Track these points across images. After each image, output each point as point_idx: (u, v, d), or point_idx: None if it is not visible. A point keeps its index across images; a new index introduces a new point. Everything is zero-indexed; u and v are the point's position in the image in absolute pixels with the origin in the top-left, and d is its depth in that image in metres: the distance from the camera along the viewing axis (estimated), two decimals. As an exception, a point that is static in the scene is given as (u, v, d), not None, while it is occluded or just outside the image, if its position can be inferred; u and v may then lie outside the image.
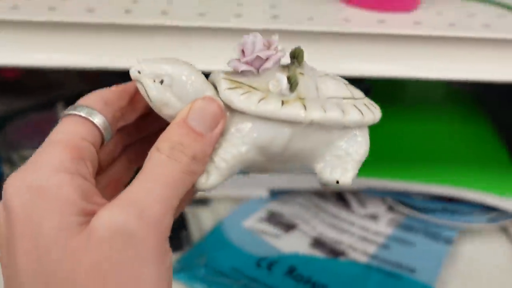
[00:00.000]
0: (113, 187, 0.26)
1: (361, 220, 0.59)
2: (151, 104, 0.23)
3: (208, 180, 0.22)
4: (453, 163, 0.61)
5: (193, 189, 0.23)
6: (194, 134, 0.21)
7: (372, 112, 0.24)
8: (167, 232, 0.20)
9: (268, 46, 0.23)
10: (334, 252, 0.54)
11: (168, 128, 0.22)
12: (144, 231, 0.19)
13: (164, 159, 0.21)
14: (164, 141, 0.21)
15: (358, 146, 0.24)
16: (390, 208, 0.61)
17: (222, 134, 0.23)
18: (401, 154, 0.62)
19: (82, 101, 0.23)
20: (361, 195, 0.62)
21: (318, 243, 0.55)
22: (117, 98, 0.24)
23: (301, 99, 0.23)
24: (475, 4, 0.44)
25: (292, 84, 0.23)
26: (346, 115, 0.23)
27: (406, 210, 0.59)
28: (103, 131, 0.23)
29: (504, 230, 0.61)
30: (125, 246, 0.18)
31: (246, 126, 0.22)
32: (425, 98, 0.74)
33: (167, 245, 0.20)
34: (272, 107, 0.22)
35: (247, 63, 0.23)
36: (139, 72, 0.22)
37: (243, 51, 0.24)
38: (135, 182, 0.20)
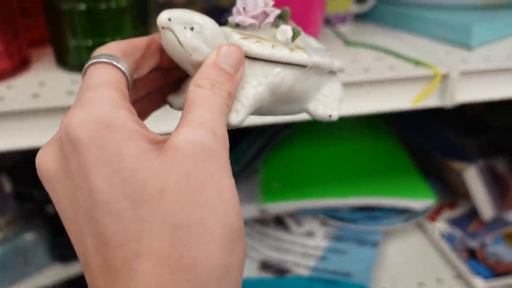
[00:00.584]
0: None
1: (300, 238, 0.67)
2: (180, 50, 0.24)
3: (238, 116, 0.24)
4: (369, 176, 0.70)
5: None
6: (226, 74, 0.23)
7: (339, 62, 0.29)
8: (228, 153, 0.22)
9: (265, 4, 0.26)
10: (281, 271, 0.61)
11: (201, 69, 0.23)
12: (220, 147, 0.21)
13: (208, 93, 0.22)
14: (203, 78, 0.23)
15: (339, 88, 0.29)
16: (323, 223, 0.69)
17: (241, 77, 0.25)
18: (327, 175, 0.70)
19: (103, 49, 0.24)
20: (297, 216, 0.69)
21: (265, 265, 0.62)
22: (133, 50, 0.25)
23: (301, 48, 0.26)
24: (355, 48, 0.53)
25: (295, 34, 0.26)
26: (333, 61, 0.28)
27: (336, 223, 0.68)
28: (128, 77, 0.23)
29: (419, 225, 0.71)
30: (208, 159, 0.20)
31: (261, 69, 0.25)
32: (340, 123, 0.84)
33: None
34: (284, 52, 0.25)
35: (253, 17, 0.26)
36: (169, 19, 0.23)
37: (244, 9, 0.26)
38: (192, 111, 0.21)
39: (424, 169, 0.75)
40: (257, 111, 0.26)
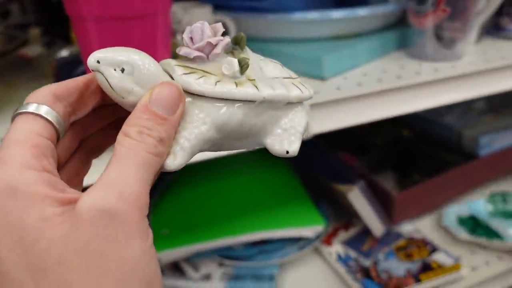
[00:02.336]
0: (72, 182, 0.26)
1: (196, 283, 0.64)
2: (111, 93, 0.23)
3: (176, 161, 0.23)
4: (260, 210, 0.70)
5: (161, 170, 0.23)
6: (158, 117, 0.22)
7: (307, 89, 0.27)
8: (146, 210, 0.20)
9: (214, 33, 0.25)
10: (176, 323, 0.59)
11: (132, 114, 0.22)
12: (126, 209, 0.19)
13: (133, 142, 0.21)
14: (130, 126, 0.22)
15: (300, 119, 0.26)
16: (220, 264, 0.67)
17: (182, 116, 0.23)
18: (218, 214, 0.69)
19: (31, 98, 0.22)
20: (193, 260, 0.67)
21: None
22: (66, 93, 0.23)
23: (251, 80, 0.24)
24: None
25: (243, 66, 0.24)
26: (290, 92, 0.25)
27: (233, 262, 0.67)
28: (57, 126, 0.22)
29: (316, 251, 0.72)
30: (109, 224, 0.19)
31: (205, 107, 0.23)
32: (229, 158, 0.84)
33: (147, 223, 0.21)
34: (228, 88, 0.23)
35: (198, 49, 0.24)
36: (98, 62, 0.22)
37: (191, 39, 0.24)
38: (109, 166, 0.21)
39: (318, 195, 0.76)
40: (208, 149, 0.25)
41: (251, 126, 0.25)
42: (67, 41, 0.57)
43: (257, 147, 0.26)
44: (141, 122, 0.22)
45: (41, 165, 0.20)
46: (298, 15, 0.56)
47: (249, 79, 0.24)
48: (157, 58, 0.44)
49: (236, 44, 0.26)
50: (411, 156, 0.83)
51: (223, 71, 0.24)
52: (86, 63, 0.43)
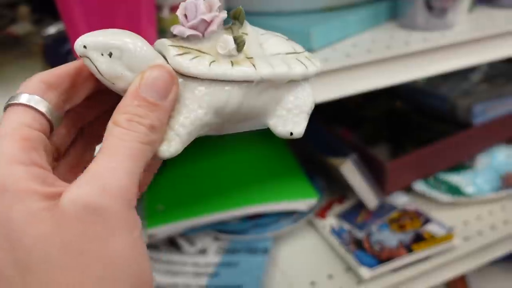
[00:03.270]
0: (75, 171, 0.25)
1: (192, 257, 0.66)
2: (101, 78, 0.22)
3: (170, 148, 0.22)
4: (255, 184, 0.70)
5: (155, 158, 0.22)
6: (148, 104, 0.21)
7: (314, 64, 0.25)
8: (133, 202, 0.20)
9: (209, 9, 0.23)
10: (172, 295, 0.60)
11: (122, 101, 0.21)
12: (110, 204, 0.19)
13: (122, 131, 0.20)
14: (120, 113, 0.21)
15: (305, 98, 0.24)
16: (216, 239, 0.68)
17: (177, 100, 0.22)
18: (213, 188, 0.70)
19: (22, 88, 0.22)
20: (189, 235, 0.68)
21: (156, 292, 0.61)
22: (58, 80, 0.22)
23: (249, 58, 0.23)
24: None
25: (239, 44, 0.23)
26: (292, 69, 0.23)
27: (228, 236, 0.67)
28: (48, 116, 0.22)
29: (310, 224, 0.73)
30: (92, 219, 0.19)
31: (200, 90, 0.22)
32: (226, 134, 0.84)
33: (134, 215, 0.20)
34: (223, 68, 0.22)
35: (192, 27, 0.23)
36: (85, 47, 0.21)
37: (185, 16, 0.23)
38: (97, 157, 0.20)
39: (313, 168, 0.76)
40: (206, 132, 0.24)
41: (251, 108, 0.23)
42: (55, 18, 0.57)
43: (260, 128, 0.25)
44: (131, 109, 0.21)
45: (29, 159, 0.20)
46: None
47: (246, 57, 0.23)
48: (142, 34, 0.44)
49: (235, 19, 0.24)
50: (404, 128, 0.83)
51: (218, 50, 0.23)
52: (72, 42, 0.43)
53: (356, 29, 0.57)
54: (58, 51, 0.49)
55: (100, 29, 0.42)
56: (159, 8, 0.54)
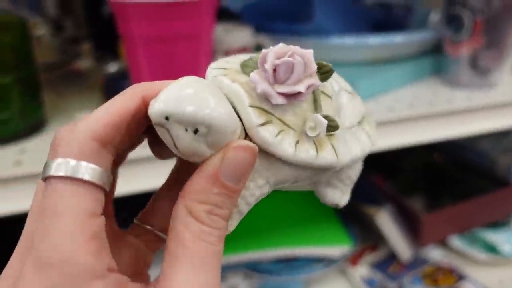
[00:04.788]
0: None
1: (223, 294, 0.66)
2: (173, 150, 0.18)
3: (229, 227, 0.20)
4: (289, 226, 0.71)
5: None
6: (228, 190, 0.18)
7: (372, 138, 0.24)
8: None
9: (305, 71, 0.19)
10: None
11: (197, 182, 0.18)
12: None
13: (205, 230, 0.17)
14: (196, 201, 0.18)
15: (358, 169, 0.24)
16: (247, 277, 0.69)
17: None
18: (247, 228, 0.71)
19: (66, 146, 0.17)
20: (221, 270, 0.69)
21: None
22: (112, 132, 0.18)
23: (331, 136, 0.21)
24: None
25: (330, 129, 0.20)
26: (364, 150, 0.23)
27: (258, 276, 0.68)
28: (106, 188, 0.18)
29: (341, 271, 0.73)
30: None
31: (273, 167, 0.20)
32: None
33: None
34: (309, 155, 0.20)
35: (283, 94, 0.19)
36: (166, 118, 0.17)
37: (274, 72, 0.19)
38: (175, 271, 0.17)
39: (348, 215, 0.77)
40: None
41: (309, 180, 0.22)
42: (115, 56, 0.61)
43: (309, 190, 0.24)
44: (211, 198, 0.18)
45: (105, 268, 0.17)
46: (337, 40, 0.57)
47: (328, 136, 0.21)
48: (199, 74, 0.47)
49: (323, 75, 0.21)
50: (442, 181, 0.83)
51: (307, 131, 0.20)
52: (133, 79, 0.46)
53: (400, 83, 0.59)
54: (118, 88, 0.52)
55: (160, 70, 0.45)
56: (214, 52, 0.58)
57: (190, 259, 0.17)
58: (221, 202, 0.18)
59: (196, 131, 0.18)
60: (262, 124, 0.19)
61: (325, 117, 0.20)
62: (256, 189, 0.20)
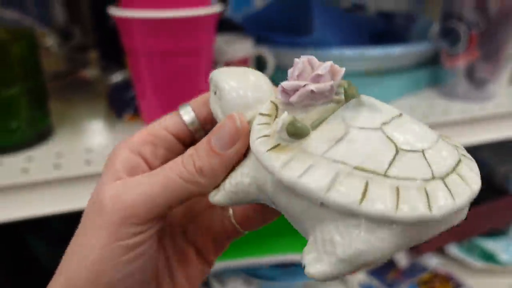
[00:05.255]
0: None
1: (222, 298, 0.68)
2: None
3: (215, 196, 0.22)
4: (289, 233, 0.72)
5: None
6: (209, 149, 0.21)
7: (455, 198, 0.17)
8: (128, 220, 0.21)
9: (332, 75, 0.20)
10: (201, 334, 0.62)
11: (204, 137, 0.23)
12: (111, 206, 0.21)
13: (177, 161, 0.22)
14: (192, 147, 0.22)
15: (352, 241, 0.17)
16: (246, 282, 0.70)
17: (248, 157, 0.21)
18: (248, 234, 0.73)
19: (193, 100, 0.25)
20: (221, 276, 0.71)
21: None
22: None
23: (363, 170, 0.17)
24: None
25: (291, 132, 0.19)
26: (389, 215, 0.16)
27: (257, 281, 0.69)
28: (190, 127, 0.24)
29: (340, 278, 0.74)
30: (91, 210, 0.22)
31: (254, 166, 0.21)
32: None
33: (133, 236, 0.21)
34: (292, 175, 0.18)
35: (295, 91, 0.20)
36: (210, 78, 0.23)
37: (298, 75, 0.20)
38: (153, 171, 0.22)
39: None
40: (262, 201, 0.21)
41: (294, 213, 0.19)
42: (121, 65, 0.63)
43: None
44: (199, 148, 0.22)
45: (138, 149, 0.24)
46: (336, 52, 0.59)
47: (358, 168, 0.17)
48: (199, 86, 0.48)
49: (346, 94, 0.20)
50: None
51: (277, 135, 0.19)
52: (136, 91, 0.48)
53: (397, 94, 0.61)
54: (122, 97, 0.54)
55: (163, 83, 0.46)
56: (215, 63, 0.60)
57: (157, 168, 0.22)
58: (201, 156, 0.22)
59: (215, 93, 0.22)
60: (259, 138, 0.20)
61: (292, 120, 0.19)
62: (240, 175, 0.21)
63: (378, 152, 0.18)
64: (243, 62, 0.61)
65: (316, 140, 0.18)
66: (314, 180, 0.17)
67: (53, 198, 0.42)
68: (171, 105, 0.46)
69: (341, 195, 0.17)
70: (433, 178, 0.17)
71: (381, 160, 0.17)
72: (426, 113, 0.55)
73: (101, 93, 0.59)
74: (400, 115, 0.20)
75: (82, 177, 0.41)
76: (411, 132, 0.19)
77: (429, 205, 0.16)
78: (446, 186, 0.17)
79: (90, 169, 0.41)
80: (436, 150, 0.18)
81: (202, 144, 0.22)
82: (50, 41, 0.63)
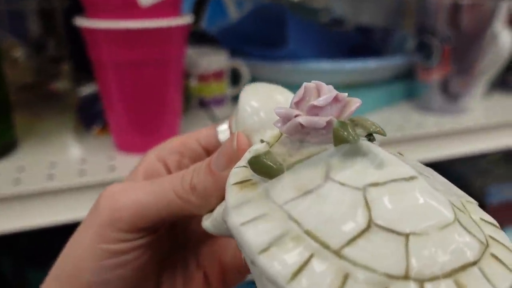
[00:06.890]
0: None
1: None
2: None
3: (205, 221, 0.21)
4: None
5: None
6: (207, 167, 0.21)
7: None
8: (117, 224, 0.21)
9: (342, 107, 0.17)
10: None
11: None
12: (103, 205, 0.21)
13: (178, 175, 0.21)
14: (197, 163, 0.22)
15: None
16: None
17: None
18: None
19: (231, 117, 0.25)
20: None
21: None
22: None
23: (315, 238, 0.13)
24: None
25: (253, 161, 0.17)
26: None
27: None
28: (221, 141, 0.24)
29: None
30: (90, 212, 0.22)
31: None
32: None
33: (117, 241, 0.21)
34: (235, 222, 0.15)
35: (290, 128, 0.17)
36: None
37: (298, 102, 0.17)
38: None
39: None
40: None
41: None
42: (91, 77, 0.61)
43: None
44: (201, 165, 0.21)
45: (163, 156, 0.24)
46: (313, 65, 0.58)
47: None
48: (168, 99, 0.47)
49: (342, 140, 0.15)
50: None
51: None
52: (103, 101, 0.46)
53: (373, 107, 0.60)
54: (91, 110, 0.53)
55: (130, 95, 0.45)
56: (188, 75, 0.59)
57: (156, 179, 0.22)
58: (199, 172, 0.21)
59: (236, 113, 0.22)
60: (234, 196, 0.16)
61: (259, 154, 0.16)
62: (221, 206, 0.20)
63: (343, 220, 0.13)
64: (217, 75, 0.60)
65: (285, 184, 0.15)
66: (255, 233, 0.14)
67: (14, 215, 0.40)
68: (139, 118, 0.45)
69: (273, 262, 0.13)
70: (405, 277, 0.12)
71: (343, 231, 0.13)
72: (401, 126, 0.55)
73: (71, 106, 0.58)
74: (414, 178, 0.14)
75: (42, 193, 0.39)
76: (408, 204, 0.14)
77: None
78: None
79: (52, 184, 0.39)
80: (437, 238, 0.13)
81: (205, 161, 0.21)
82: (18, 52, 0.61)
